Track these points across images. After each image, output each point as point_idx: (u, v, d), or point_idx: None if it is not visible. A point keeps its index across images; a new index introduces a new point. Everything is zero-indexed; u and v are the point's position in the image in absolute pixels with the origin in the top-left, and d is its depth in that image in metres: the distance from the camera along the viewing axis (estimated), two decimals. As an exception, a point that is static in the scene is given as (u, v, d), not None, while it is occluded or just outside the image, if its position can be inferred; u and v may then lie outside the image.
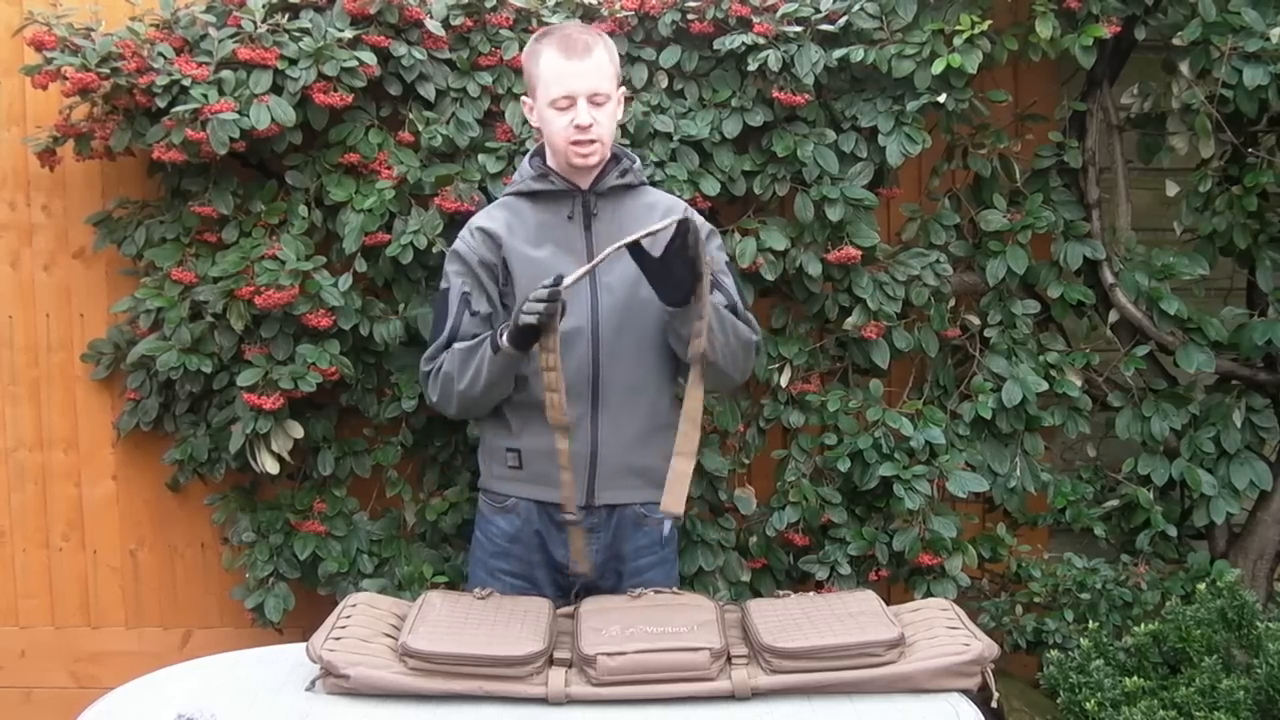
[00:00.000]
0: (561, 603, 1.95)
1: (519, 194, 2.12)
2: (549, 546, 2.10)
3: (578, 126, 2.01)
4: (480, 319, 2.07)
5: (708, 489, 2.59)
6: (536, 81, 2.06)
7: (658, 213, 2.10)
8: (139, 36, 2.42)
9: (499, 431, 2.11)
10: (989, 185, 2.64)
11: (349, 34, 2.40)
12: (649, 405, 2.09)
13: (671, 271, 1.89)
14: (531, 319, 1.87)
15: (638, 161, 2.17)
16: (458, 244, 2.12)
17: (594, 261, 1.90)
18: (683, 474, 1.90)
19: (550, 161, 2.10)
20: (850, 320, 2.58)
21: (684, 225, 1.82)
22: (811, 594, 1.88)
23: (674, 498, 1.89)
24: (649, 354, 2.06)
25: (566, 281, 1.84)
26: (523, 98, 2.17)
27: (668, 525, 2.15)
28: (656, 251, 1.86)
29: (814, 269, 2.52)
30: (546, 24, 2.48)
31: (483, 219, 2.12)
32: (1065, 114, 2.68)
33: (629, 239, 1.83)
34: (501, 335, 1.97)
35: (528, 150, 2.45)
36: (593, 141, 2.02)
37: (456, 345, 2.05)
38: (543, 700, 1.61)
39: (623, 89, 2.14)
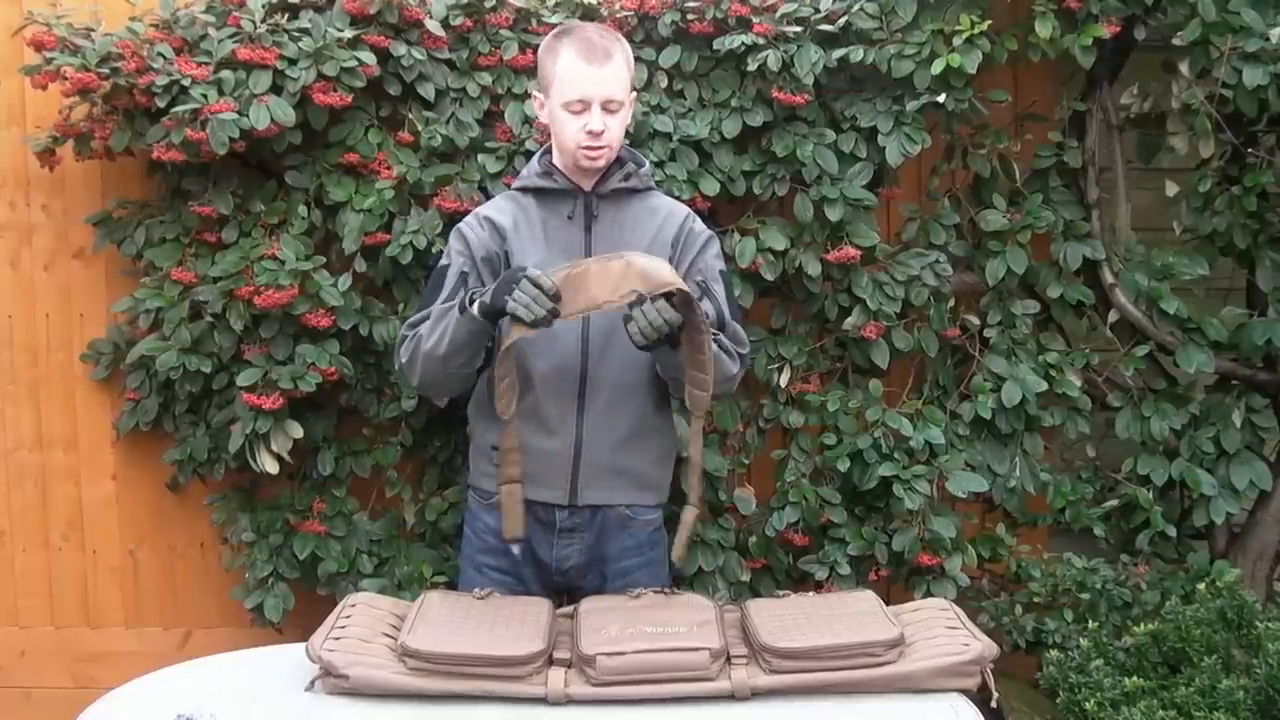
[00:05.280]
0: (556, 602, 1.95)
1: (524, 189, 2.12)
2: (534, 544, 2.09)
3: (590, 133, 2.00)
4: None
5: (708, 489, 2.59)
6: (552, 80, 2.04)
7: (659, 217, 2.11)
8: (139, 36, 2.42)
9: (486, 429, 2.11)
10: (989, 185, 2.64)
11: (349, 34, 2.40)
12: (636, 407, 2.08)
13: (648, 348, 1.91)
14: (522, 312, 1.83)
15: (645, 165, 2.16)
16: (464, 228, 2.12)
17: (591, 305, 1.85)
18: (689, 523, 1.98)
19: (556, 160, 2.10)
20: (850, 320, 2.57)
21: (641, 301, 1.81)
22: (811, 594, 1.88)
23: (682, 546, 1.99)
24: (638, 356, 2.03)
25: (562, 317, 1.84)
26: (533, 92, 2.16)
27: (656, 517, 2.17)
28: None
29: (813, 269, 2.52)
30: (546, 24, 2.49)
31: (491, 210, 2.13)
32: (1065, 114, 2.68)
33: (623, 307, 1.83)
34: (472, 301, 1.94)
35: (527, 150, 2.46)
36: (602, 147, 2.03)
37: (437, 306, 2.03)
38: (542, 700, 1.60)
39: (634, 93, 2.14)
